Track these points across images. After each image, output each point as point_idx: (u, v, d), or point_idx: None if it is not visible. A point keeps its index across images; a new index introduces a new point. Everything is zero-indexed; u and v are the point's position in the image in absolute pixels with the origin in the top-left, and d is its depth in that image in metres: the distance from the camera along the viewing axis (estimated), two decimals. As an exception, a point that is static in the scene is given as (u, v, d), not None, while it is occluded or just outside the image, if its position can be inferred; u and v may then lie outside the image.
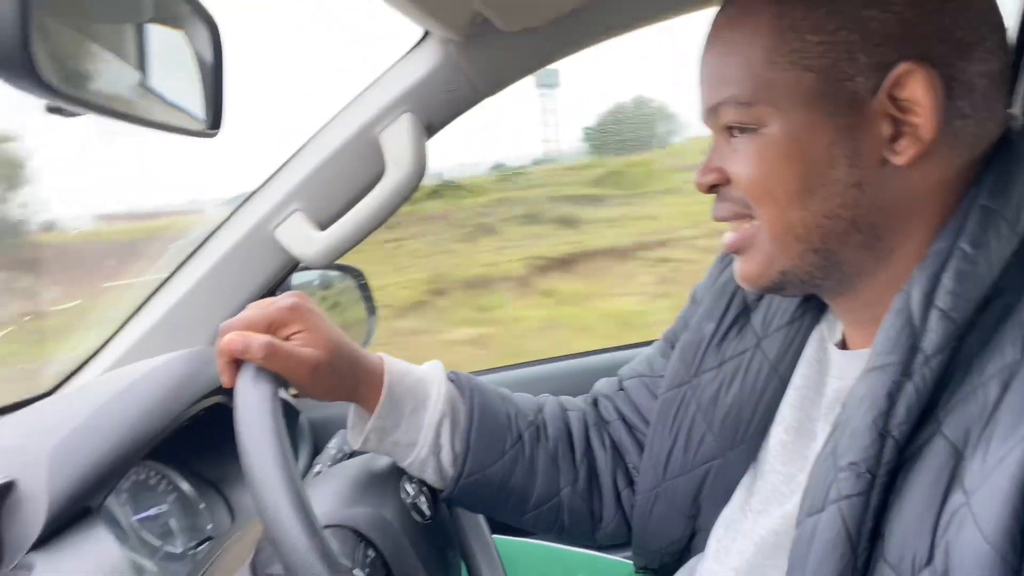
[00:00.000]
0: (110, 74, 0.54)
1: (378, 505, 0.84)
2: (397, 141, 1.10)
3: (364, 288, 1.37)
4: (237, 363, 0.72)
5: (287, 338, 0.75)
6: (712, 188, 0.69)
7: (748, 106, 0.63)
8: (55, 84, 0.41)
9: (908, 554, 0.53)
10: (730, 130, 0.66)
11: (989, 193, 0.60)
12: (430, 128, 1.12)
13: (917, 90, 0.59)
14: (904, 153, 0.60)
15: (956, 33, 0.59)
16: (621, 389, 0.94)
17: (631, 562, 0.92)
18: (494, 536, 1.01)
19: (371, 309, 1.37)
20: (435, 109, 1.11)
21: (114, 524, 0.91)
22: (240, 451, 0.65)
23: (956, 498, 0.52)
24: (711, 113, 0.67)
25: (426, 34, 1.09)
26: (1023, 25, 1.30)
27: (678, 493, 0.82)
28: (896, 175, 0.61)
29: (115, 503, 0.97)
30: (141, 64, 0.57)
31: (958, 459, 0.53)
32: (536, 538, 1.14)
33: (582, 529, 0.90)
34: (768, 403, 0.77)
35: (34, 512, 0.72)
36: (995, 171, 0.61)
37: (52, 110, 0.49)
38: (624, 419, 0.92)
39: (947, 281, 0.57)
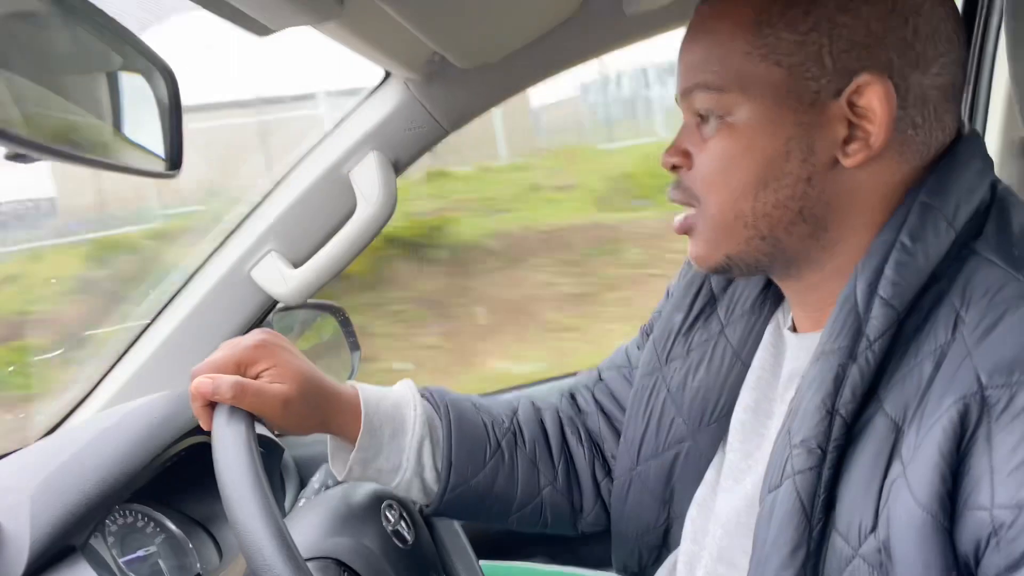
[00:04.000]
0: (71, 122, 0.57)
1: (359, 534, 0.85)
2: (366, 178, 1.13)
3: (346, 324, 1.38)
4: (212, 405, 0.74)
5: (257, 376, 0.77)
6: (674, 168, 0.73)
7: (720, 92, 0.67)
8: (12, 130, 0.43)
9: (855, 523, 0.57)
10: (701, 116, 0.70)
11: (929, 192, 0.64)
12: (397, 165, 1.16)
13: (874, 100, 0.63)
14: (853, 156, 0.65)
15: (916, 47, 0.64)
16: (600, 380, 0.97)
17: None
18: (480, 562, 1.02)
19: (354, 345, 1.38)
20: (400, 146, 1.15)
21: (103, 567, 0.92)
22: (220, 490, 0.66)
23: (895, 469, 0.56)
24: (685, 95, 0.71)
25: (387, 75, 1.13)
26: (974, 34, 1.35)
27: (651, 476, 0.84)
28: (845, 174, 0.66)
29: (103, 546, 0.99)
30: (101, 111, 0.61)
31: (897, 433, 0.57)
32: (521, 561, 1.15)
33: (564, 522, 0.93)
34: (732, 386, 0.80)
35: (17, 552, 0.74)
36: (937, 173, 0.65)
37: (11, 157, 0.52)
38: (602, 408, 0.95)
39: (889, 272, 0.62)
